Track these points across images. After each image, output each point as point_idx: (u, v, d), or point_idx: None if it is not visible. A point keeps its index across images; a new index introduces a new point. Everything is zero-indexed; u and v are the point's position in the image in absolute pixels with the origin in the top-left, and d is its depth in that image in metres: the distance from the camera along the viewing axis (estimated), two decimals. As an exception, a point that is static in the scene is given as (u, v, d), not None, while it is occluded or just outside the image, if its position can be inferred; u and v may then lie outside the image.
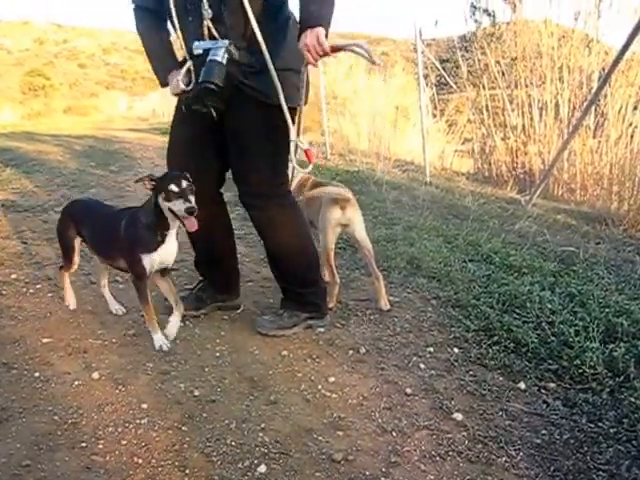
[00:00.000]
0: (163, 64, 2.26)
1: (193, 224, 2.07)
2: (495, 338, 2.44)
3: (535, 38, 7.23)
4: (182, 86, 2.14)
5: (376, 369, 2.22)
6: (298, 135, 2.20)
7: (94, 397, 1.92)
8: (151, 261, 2.19)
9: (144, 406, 1.89)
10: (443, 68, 9.40)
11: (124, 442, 1.70)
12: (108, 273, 2.65)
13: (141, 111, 29.82)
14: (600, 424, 1.87)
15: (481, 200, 5.47)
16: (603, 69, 6.37)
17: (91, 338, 2.33)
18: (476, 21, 8.18)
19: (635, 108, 6.09)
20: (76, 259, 2.53)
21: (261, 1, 2.09)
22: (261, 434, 1.79)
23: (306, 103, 2.24)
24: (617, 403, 1.98)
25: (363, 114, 10.66)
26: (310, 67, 2.08)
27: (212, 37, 2.07)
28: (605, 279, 3.15)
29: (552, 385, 2.12)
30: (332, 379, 2.13)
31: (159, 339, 2.29)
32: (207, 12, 2.02)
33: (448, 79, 8.71)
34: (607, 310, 2.60)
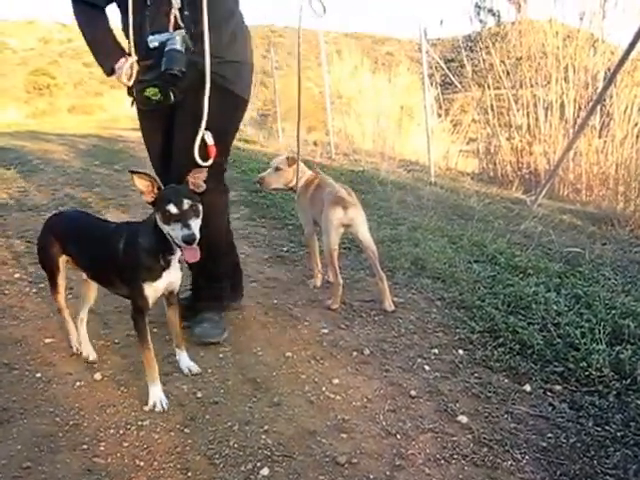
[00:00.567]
0: (111, 53, 2.20)
1: (193, 255, 1.80)
2: (500, 340, 2.42)
3: (540, 38, 7.20)
4: (125, 80, 2.15)
5: (380, 371, 2.20)
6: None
7: (96, 398, 1.91)
8: (155, 291, 1.91)
9: (146, 408, 1.87)
10: (448, 68, 9.37)
11: (126, 444, 1.69)
12: (94, 299, 2.31)
13: (147, 110, 29.76)
14: (607, 427, 1.85)
15: (486, 200, 5.44)
16: (609, 69, 6.33)
17: (94, 339, 2.32)
18: (481, 21, 8.17)
19: (641, 108, 6.06)
20: (62, 282, 2.18)
21: None
22: (264, 436, 1.77)
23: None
24: (624, 406, 1.96)
25: (368, 114, 10.66)
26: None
27: (176, 27, 2.10)
28: (611, 280, 3.12)
29: (558, 387, 2.10)
30: (336, 381, 2.11)
31: (156, 394, 1.91)
32: (176, 2, 2.08)
33: (453, 79, 8.68)
34: (613, 312, 2.57)
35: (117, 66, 2.17)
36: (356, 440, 1.78)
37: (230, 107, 2.33)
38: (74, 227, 2.16)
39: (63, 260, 2.11)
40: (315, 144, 10.05)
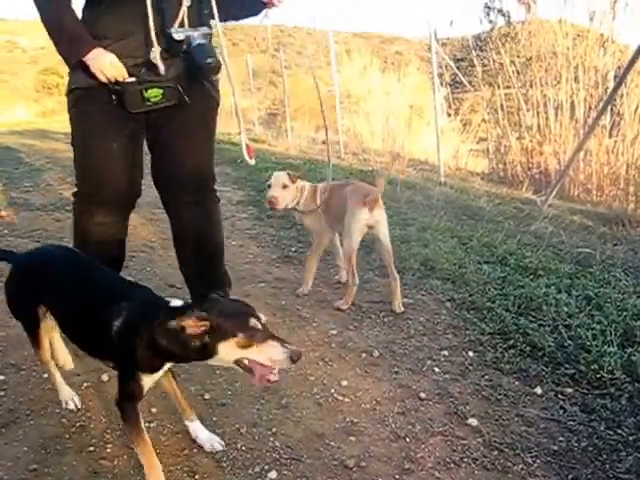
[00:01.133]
0: (82, 39, 1.94)
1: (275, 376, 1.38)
2: (511, 342, 2.40)
3: (550, 38, 7.16)
4: (162, 68, 1.99)
5: (390, 373, 2.19)
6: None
7: (103, 400, 1.91)
8: (153, 380, 1.50)
9: (153, 410, 1.86)
10: (457, 67, 9.33)
11: (132, 446, 1.68)
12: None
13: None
14: (619, 431, 1.82)
15: (496, 201, 5.40)
16: (619, 69, 6.28)
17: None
18: (491, 21, 8.13)
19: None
20: (45, 335, 1.71)
21: None
22: (272, 439, 1.76)
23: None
24: (636, 409, 1.93)
25: (377, 113, 10.62)
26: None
27: (182, 25, 2.02)
28: (622, 281, 3.08)
29: (569, 390, 2.07)
30: (345, 383, 2.10)
31: None
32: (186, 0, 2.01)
33: (462, 78, 8.63)
34: (625, 313, 2.54)
35: (91, 57, 1.92)
36: (365, 443, 1.76)
37: (215, 113, 2.31)
38: (57, 272, 1.65)
39: (42, 311, 1.66)
40: (324, 143, 10.04)
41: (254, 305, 2.71)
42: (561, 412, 1.95)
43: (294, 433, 1.79)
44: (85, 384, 1.99)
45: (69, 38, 1.95)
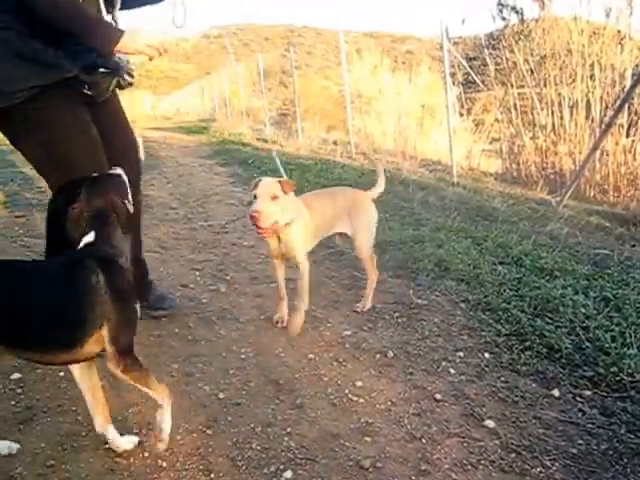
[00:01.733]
0: (109, 24, 1.99)
1: None
2: (527, 343, 2.36)
3: (565, 35, 7.06)
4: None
5: (404, 374, 2.17)
6: None
7: (118, 398, 1.91)
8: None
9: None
10: (470, 66, 9.26)
11: (148, 445, 1.68)
12: None
13: (165, 110, 30.14)
14: (640, 434, 1.79)
15: (510, 201, 5.35)
16: (637, 66, 6.19)
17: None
18: (504, 19, 8.03)
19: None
20: None
21: None
22: (287, 439, 1.75)
23: None
24: (657, 413, 1.90)
25: (388, 113, 10.59)
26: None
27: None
28: (641, 283, 3.03)
29: (588, 393, 2.04)
30: (359, 383, 2.08)
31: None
32: None
33: (475, 77, 8.56)
34: (644, 315, 2.50)
35: (127, 37, 1.85)
36: (380, 444, 1.75)
37: None
38: None
39: None
40: (335, 143, 10.02)
41: (267, 305, 2.72)
42: (580, 415, 1.92)
43: (309, 433, 1.79)
44: (100, 383, 1.99)
45: (98, 26, 1.90)
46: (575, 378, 2.13)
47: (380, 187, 2.79)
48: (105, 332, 1.45)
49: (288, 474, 1.59)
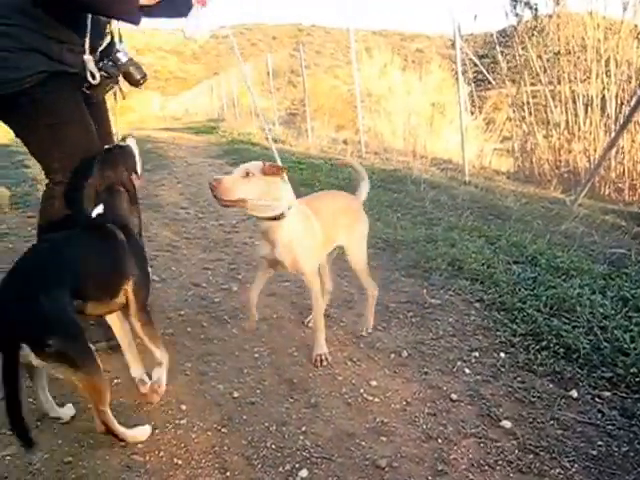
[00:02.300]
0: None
1: None
2: (544, 343, 2.33)
3: (580, 31, 6.98)
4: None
5: (419, 373, 2.15)
6: None
7: (133, 396, 1.91)
8: None
9: (183, 407, 1.86)
10: (481, 64, 9.20)
11: (163, 442, 1.68)
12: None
13: (174, 110, 30.23)
14: (661, 436, 1.76)
15: (523, 200, 5.31)
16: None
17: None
18: (517, 15, 7.95)
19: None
20: None
21: None
22: (302, 437, 1.74)
23: None
24: (678, 414, 1.86)
25: (398, 112, 10.55)
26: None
27: None
28: (660, 282, 2.99)
29: (607, 394, 2.01)
30: (374, 383, 2.07)
31: None
32: None
33: (488, 75, 8.50)
34: (664, 315, 2.46)
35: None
36: (396, 443, 1.73)
37: None
38: None
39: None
40: (345, 143, 10.01)
41: (280, 305, 2.71)
42: (599, 416, 1.89)
43: (324, 432, 1.77)
44: (116, 380, 1.99)
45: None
46: (593, 379, 2.10)
47: (366, 187, 2.49)
48: (130, 286, 1.74)
49: (304, 473, 1.58)
